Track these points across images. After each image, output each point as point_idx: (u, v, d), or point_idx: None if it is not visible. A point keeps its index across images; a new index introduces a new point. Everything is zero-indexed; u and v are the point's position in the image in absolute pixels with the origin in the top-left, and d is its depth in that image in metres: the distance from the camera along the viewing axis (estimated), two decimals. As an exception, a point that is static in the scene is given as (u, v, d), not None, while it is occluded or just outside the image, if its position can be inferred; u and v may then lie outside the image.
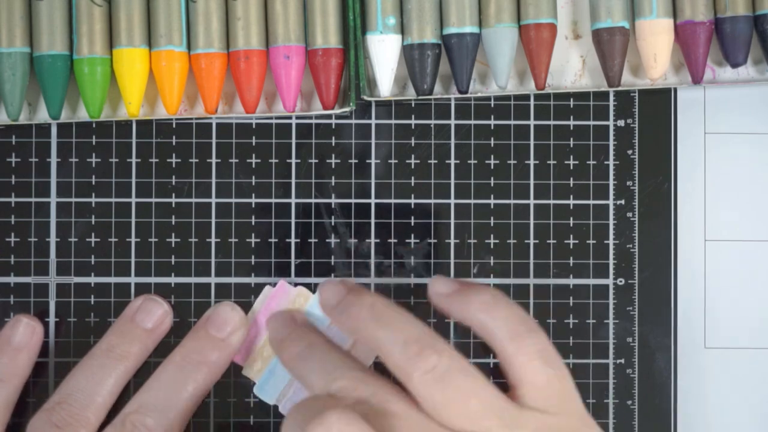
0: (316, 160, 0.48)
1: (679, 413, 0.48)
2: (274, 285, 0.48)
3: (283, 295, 0.48)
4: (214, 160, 0.48)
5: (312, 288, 0.48)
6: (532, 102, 0.48)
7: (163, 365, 0.46)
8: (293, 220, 0.48)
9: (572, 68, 0.49)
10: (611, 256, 0.48)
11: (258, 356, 0.47)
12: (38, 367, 0.47)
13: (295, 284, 0.48)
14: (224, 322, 0.46)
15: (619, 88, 0.47)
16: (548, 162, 0.48)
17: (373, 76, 0.47)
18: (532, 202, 0.48)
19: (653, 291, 0.48)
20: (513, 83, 0.48)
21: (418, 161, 0.48)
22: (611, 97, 0.48)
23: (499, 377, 0.48)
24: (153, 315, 0.46)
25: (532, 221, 0.48)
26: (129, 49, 0.46)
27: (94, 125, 0.48)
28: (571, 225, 0.48)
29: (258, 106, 0.48)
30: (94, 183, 0.48)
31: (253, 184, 0.48)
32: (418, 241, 0.48)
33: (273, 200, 0.48)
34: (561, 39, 0.48)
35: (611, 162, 0.48)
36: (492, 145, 0.48)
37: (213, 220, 0.48)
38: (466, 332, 0.48)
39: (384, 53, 0.47)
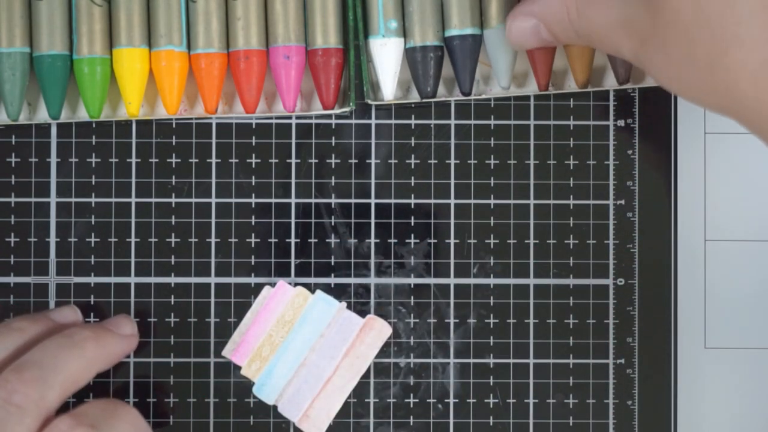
0: (316, 160, 0.48)
1: (679, 413, 0.48)
2: (273, 285, 0.48)
3: (282, 295, 0.48)
4: (214, 160, 0.48)
5: (311, 288, 0.48)
6: (532, 102, 0.48)
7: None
8: (293, 220, 0.48)
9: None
10: (611, 256, 0.48)
11: (257, 356, 0.47)
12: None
13: (295, 284, 0.48)
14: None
15: (619, 88, 0.47)
16: (548, 162, 0.48)
17: (377, 80, 0.47)
18: (532, 202, 0.48)
19: (653, 291, 0.48)
20: (515, 84, 0.48)
21: (418, 161, 0.48)
22: (611, 97, 0.48)
23: (499, 377, 0.48)
24: (66, 316, 0.46)
25: (532, 221, 0.48)
26: (129, 49, 0.46)
27: (94, 125, 0.48)
28: (571, 225, 0.48)
29: (258, 106, 0.48)
30: (94, 183, 0.48)
31: (253, 184, 0.48)
32: (418, 241, 0.48)
33: (273, 200, 0.48)
34: (561, 39, 0.48)
35: (611, 162, 0.48)
36: (492, 145, 0.48)
37: (213, 220, 0.48)
38: (466, 332, 0.48)
39: (387, 57, 0.46)
